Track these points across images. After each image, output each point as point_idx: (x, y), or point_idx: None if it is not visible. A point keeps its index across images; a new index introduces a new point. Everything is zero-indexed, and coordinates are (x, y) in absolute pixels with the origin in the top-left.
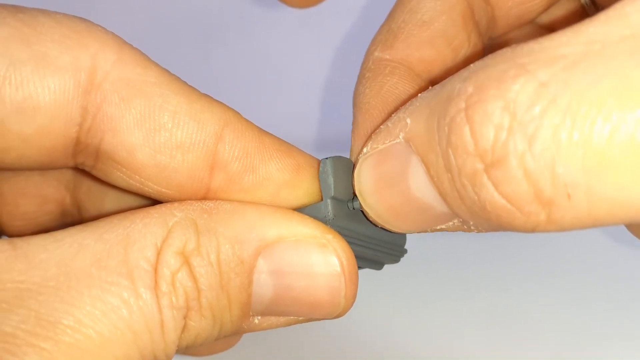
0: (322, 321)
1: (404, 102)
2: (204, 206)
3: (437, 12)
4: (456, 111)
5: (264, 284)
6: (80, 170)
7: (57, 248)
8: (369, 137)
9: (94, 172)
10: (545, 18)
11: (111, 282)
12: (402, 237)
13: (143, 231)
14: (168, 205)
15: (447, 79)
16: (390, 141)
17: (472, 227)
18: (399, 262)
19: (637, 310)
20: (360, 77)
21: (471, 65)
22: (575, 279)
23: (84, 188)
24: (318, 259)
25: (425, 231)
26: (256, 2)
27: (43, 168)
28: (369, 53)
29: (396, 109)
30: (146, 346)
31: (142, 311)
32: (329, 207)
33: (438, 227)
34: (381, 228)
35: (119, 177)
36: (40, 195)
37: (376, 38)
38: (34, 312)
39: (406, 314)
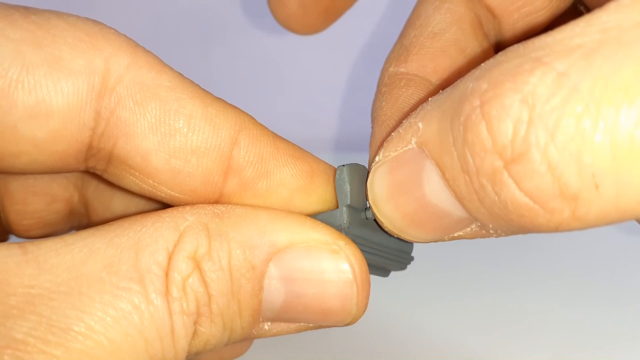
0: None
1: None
2: (215, 210)
3: (447, 24)
4: (471, 109)
5: (274, 291)
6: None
7: (68, 253)
8: (380, 145)
9: (105, 176)
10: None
11: (122, 287)
12: (409, 244)
13: (154, 235)
14: (179, 208)
15: (458, 81)
16: (402, 147)
17: (491, 232)
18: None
19: (638, 310)
20: (377, 93)
21: (482, 64)
22: (575, 278)
23: (92, 187)
24: (330, 265)
25: (443, 240)
26: (257, 2)
27: (54, 172)
28: (384, 70)
29: None
30: (157, 353)
31: (153, 317)
32: (344, 215)
33: (456, 235)
34: (396, 237)
35: (132, 181)
36: (49, 194)
37: (390, 55)
38: (45, 318)
39: (406, 314)
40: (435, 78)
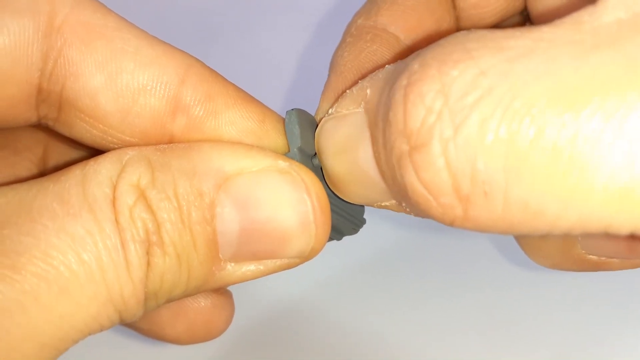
0: (317, 321)
1: (380, 68)
2: (158, 146)
3: None
4: (398, 87)
5: (228, 219)
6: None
7: (16, 194)
8: (336, 99)
9: (58, 127)
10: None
11: (73, 214)
12: (359, 206)
13: (98, 169)
14: (123, 148)
15: (411, 55)
16: (353, 109)
17: (407, 209)
18: (395, 263)
19: (637, 310)
20: (341, 42)
21: (433, 43)
22: (574, 278)
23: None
24: (281, 185)
25: (372, 205)
26: (257, 2)
27: (7, 123)
28: (352, 22)
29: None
30: (113, 282)
31: (105, 244)
32: (297, 156)
33: (383, 204)
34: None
35: (83, 128)
36: (14, 175)
37: (360, 9)
38: None
39: (404, 314)
40: (404, 36)
